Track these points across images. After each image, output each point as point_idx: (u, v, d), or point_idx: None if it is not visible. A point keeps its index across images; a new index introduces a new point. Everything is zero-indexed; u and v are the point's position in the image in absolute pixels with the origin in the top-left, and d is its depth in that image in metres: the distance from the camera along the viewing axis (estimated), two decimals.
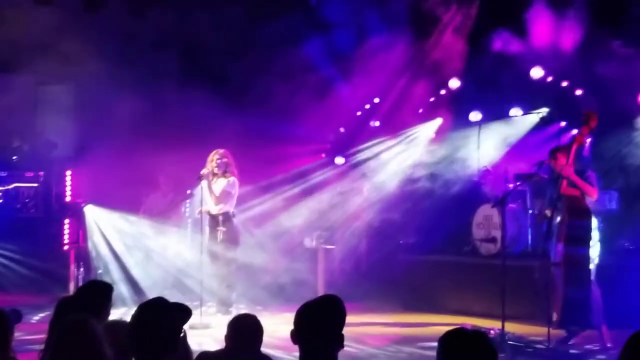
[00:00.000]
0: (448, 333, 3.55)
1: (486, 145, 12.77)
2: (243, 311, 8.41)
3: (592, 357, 8.73)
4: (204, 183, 10.94)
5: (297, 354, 3.98)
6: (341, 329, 3.93)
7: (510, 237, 11.25)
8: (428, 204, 13.08)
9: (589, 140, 9.66)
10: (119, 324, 4.92)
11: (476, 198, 12.45)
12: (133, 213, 12.86)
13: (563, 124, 12.28)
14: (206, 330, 9.83)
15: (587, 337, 9.03)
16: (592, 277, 8.95)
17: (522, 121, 12.74)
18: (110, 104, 13.36)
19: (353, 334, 8.71)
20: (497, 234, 11.44)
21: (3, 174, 13.81)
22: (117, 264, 12.59)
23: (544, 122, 12.44)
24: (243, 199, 11.77)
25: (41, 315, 10.68)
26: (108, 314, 5.32)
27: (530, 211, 11.79)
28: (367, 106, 14.33)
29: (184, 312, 4.12)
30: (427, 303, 12.04)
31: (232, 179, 11.04)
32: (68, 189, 13.49)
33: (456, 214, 12.61)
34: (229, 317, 5.11)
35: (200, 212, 11.07)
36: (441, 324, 10.08)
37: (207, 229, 11.10)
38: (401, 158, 13.87)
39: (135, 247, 12.66)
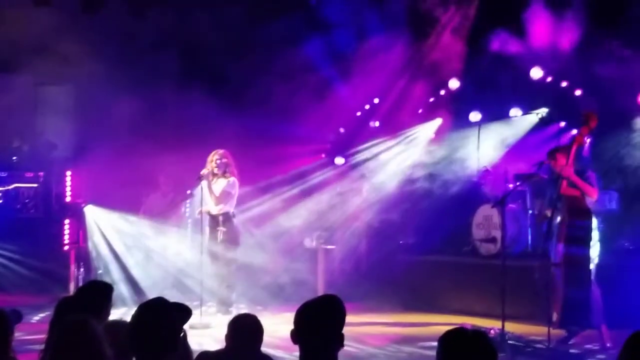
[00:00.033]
0: (448, 333, 3.56)
1: (486, 146, 12.78)
2: (243, 311, 8.42)
3: (592, 357, 8.74)
4: (204, 183, 10.94)
5: (298, 353, 3.99)
6: (341, 328, 3.94)
7: (510, 237, 11.26)
8: (428, 204, 13.08)
9: (588, 140, 9.67)
10: (119, 324, 4.93)
11: (476, 198, 12.46)
12: (133, 213, 12.87)
13: (562, 124, 12.29)
14: (206, 330, 9.84)
15: (587, 337, 9.04)
16: (592, 277, 8.95)
17: (521, 121, 12.75)
18: (110, 105, 13.36)
19: (353, 333, 8.72)
20: (497, 234, 11.44)
21: (3, 174, 13.81)
22: (117, 264, 12.59)
23: (543, 123, 12.45)
24: (243, 199, 11.78)
25: (41, 315, 10.69)
26: (108, 314, 5.33)
27: (530, 211, 11.79)
28: (367, 106, 14.33)
29: (184, 312, 4.12)
30: (427, 303, 12.04)
31: (232, 179, 11.04)
32: (68, 189, 13.49)
33: (456, 214, 12.62)
34: (229, 317, 5.11)
35: (201, 213, 11.08)
36: (441, 323, 10.08)
37: (207, 229, 11.11)
38: (401, 158, 13.87)
39: (135, 247, 12.66)
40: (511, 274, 9.44)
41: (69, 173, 13.52)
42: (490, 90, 12.52)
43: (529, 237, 11.72)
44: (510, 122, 12.86)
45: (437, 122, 13.84)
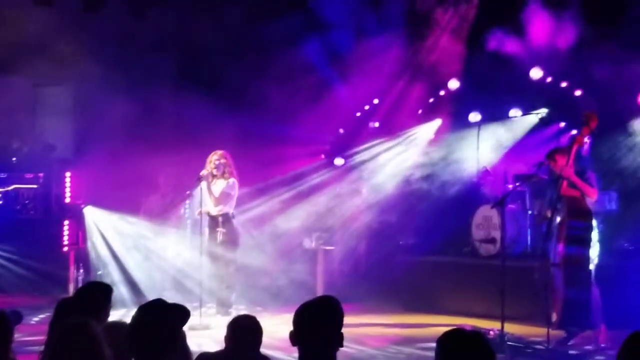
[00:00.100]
0: (446, 334, 3.55)
1: (485, 146, 12.79)
2: (243, 312, 8.42)
3: (592, 357, 8.73)
4: (203, 184, 10.93)
5: (297, 355, 3.99)
6: (340, 328, 3.93)
7: (509, 238, 11.26)
8: (427, 204, 13.08)
9: (588, 140, 9.68)
10: (118, 325, 4.93)
11: (475, 199, 12.46)
12: (132, 214, 12.86)
13: (562, 124, 12.29)
14: (206, 331, 9.83)
15: (586, 337, 9.03)
16: (592, 277, 8.96)
17: (521, 122, 12.76)
18: (109, 105, 13.35)
19: (352, 334, 8.73)
20: (497, 234, 11.44)
21: (3, 175, 13.81)
22: (116, 265, 12.60)
23: (543, 123, 12.45)
24: (243, 200, 11.78)
25: (41, 316, 10.69)
26: (107, 315, 5.33)
27: (530, 212, 11.79)
28: (367, 107, 14.33)
29: (183, 314, 4.12)
30: (426, 304, 12.04)
31: (232, 180, 11.04)
32: (67, 190, 13.49)
33: (456, 215, 12.61)
34: (229, 318, 5.11)
35: (200, 213, 11.07)
36: (441, 324, 10.08)
37: (206, 230, 11.10)
38: (400, 159, 13.87)
39: (135, 249, 12.67)
40: (511, 274, 9.44)
41: (68, 174, 13.51)
42: (490, 90, 12.52)
43: (529, 238, 11.72)
44: (510, 122, 12.86)
45: (437, 122, 13.84)
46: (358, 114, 14.38)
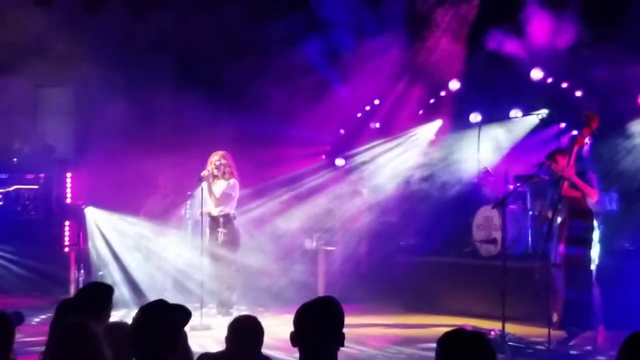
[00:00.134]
0: (446, 334, 3.55)
1: (486, 147, 12.79)
2: (244, 313, 8.42)
3: (592, 358, 8.72)
4: (204, 184, 10.94)
5: (298, 355, 3.99)
6: (340, 328, 3.93)
7: (510, 239, 11.26)
8: (428, 205, 13.09)
9: (588, 141, 9.68)
10: (119, 326, 4.93)
11: (476, 199, 12.46)
12: (133, 215, 12.87)
13: (563, 125, 12.29)
14: (207, 332, 9.84)
15: (587, 338, 9.03)
16: (593, 278, 8.96)
17: (521, 122, 12.76)
18: (110, 106, 13.36)
19: (353, 335, 8.72)
20: (498, 235, 11.44)
21: (3, 176, 13.81)
22: (117, 265, 12.60)
23: (543, 124, 12.45)
24: (243, 201, 11.78)
25: (42, 317, 10.69)
26: (108, 316, 5.33)
27: (531, 212, 11.79)
28: (367, 108, 14.33)
29: (184, 314, 4.12)
30: (427, 304, 12.04)
31: (233, 181, 11.04)
32: (68, 191, 13.49)
33: (456, 216, 12.62)
34: (230, 319, 5.11)
35: (201, 213, 11.06)
36: (441, 325, 10.07)
37: (207, 231, 11.10)
38: (401, 160, 13.88)
39: (136, 249, 12.67)
40: (511, 275, 9.44)
41: (69, 175, 13.52)
42: (491, 91, 12.53)
43: (529, 238, 11.72)
44: (511, 123, 12.87)
45: (438, 123, 13.85)
46: (359, 115, 14.38)
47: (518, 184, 11.26)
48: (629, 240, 11.17)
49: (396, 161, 13.87)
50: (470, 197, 12.70)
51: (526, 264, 10.53)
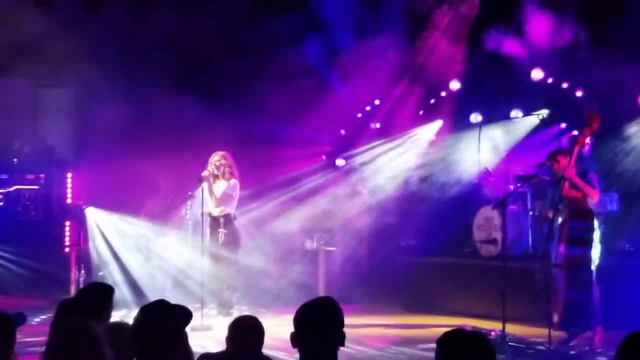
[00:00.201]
0: (446, 334, 3.55)
1: (486, 147, 12.79)
2: (245, 313, 8.42)
3: (593, 358, 8.73)
4: (204, 185, 10.94)
5: (298, 355, 3.99)
6: (340, 328, 3.93)
7: (510, 239, 11.26)
8: (428, 205, 13.09)
9: (589, 141, 9.69)
10: (119, 326, 4.94)
11: (477, 200, 12.47)
12: (133, 215, 12.87)
13: (563, 125, 12.29)
14: (207, 332, 9.84)
15: (587, 338, 9.03)
16: (593, 278, 8.96)
17: (522, 123, 12.76)
18: (110, 107, 13.36)
19: (353, 335, 8.69)
20: (498, 235, 11.44)
21: (4, 176, 13.82)
22: (118, 266, 12.60)
23: (544, 124, 12.45)
24: (244, 201, 11.78)
25: (42, 317, 10.68)
26: (109, 316, 5.34)
27: (531, 213, 11.79)
28: (368, 108, 14.34)
29: (185, 315, 4.12)
30: (427, 305, 12.04)
31: (233, 181, 11.04)
32: (69, 191, 13.50)
33: (457, 216, 12.62)
34: (230, 319, 5.11)
35: (202, 213, 11.06)
36: (442, 325, 10.06)
37: (208, 231, 11.10)
38: (401, 160, 13.88)
39: (136, 249, 12.67)
40: (512, 275, 9.45)
41: (69, 175, 13.52)
42: (491, 91, 12.53)
43: (530, 239, 11.72)
44: (511, 123, 12.87)
45: (438, 123, 13.85)
46: (359, 115, 14.38)
47: (518, 185, 11.26)
48: (629, 241, 11.17)
49: (396, 161, 13.87)
50: (470, 197, 12.70)
51: (526, 264, 10.53)
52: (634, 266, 10.45)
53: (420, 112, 13.98)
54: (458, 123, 13.43)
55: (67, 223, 13.23)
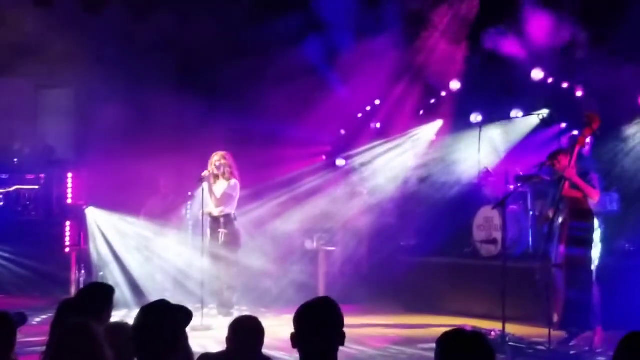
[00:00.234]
0: (445, 334, 3.55)
1: (486, 147, 12.79)
2: (245, 313, 8.42)
3: (593, 358, 8.73)
4: (205, 185, 10.94)
5: (298, 355, 3.99)
6: (340, 328, 3.93)
7: (511, 239, 11.26)
8: (428, 205, 13.10)
9: (589, 141, 9.70)
10: (120, 326, 4.94)
11: (477, 200, 12.47)
12: (134, 215, 12.87)
13: (563, 125, 12.29)
14: (208, 332, 9.84)
15: (587, 338, 9.03)
16: (593, 278, 8.96)
17: (522, 123, 12.76)
18: (110, 107, 13.36)
19: (354, 335, 8.70)
20: (498, 235, 11.44)
21: (4, 176, 13.82)
22: (118, 266, 12.60)
23: (544, 124, 12.45)
24: (244, 201, 11.78)
25: (42, 317, 10.68)
26: (109, 316, 5.34)
27: (531, 213, 11.79)
28: (368, 108, 14.34)
29: (185, 315, 4.13)
30: (427, 305, 12.05)
31: (234, 181, 11.05)
32: (69, 191, 13.49)
33: (457, 216, 12.62)
34: (230, 319, 5.11)
35: (202, 213, 11.07)
36: (442, 325, 10.05)
37: (208, 231, 11.11)
38: (402, 160, 13.88)
39: (137, 250, 12.67)
40: (512, 275, 9.45)
41: (70, 175, 13.52)
42: (491, 91, 12.53)
43: (530, 239, 11.72)
44: (511, 123, 12.87)
45: (438, 123, 13.85)
46: (359, 115, 14.39)
47: (519, 185, 11.26)
48: (629, 241, 11.17)
49: (396, 162, 13.88)
50: (470, 197, 12.71)
51: (527, 264, 10.54)
52: (634, 266, 10.45)
53: (421, 112, 13.98)
54: (458, 123, 13.43)
55: (68, 223, 13.23)
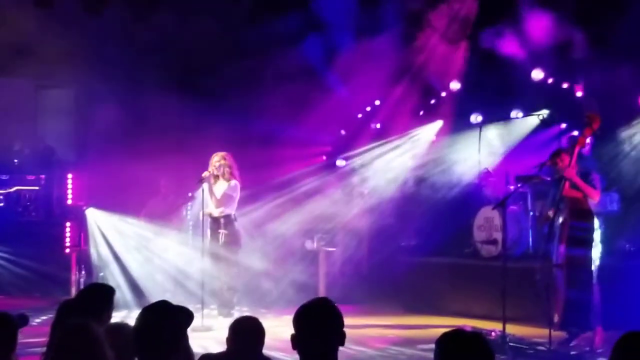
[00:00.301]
0: (445, 334, 3.55)
1: (487, 147, 12.79)
2: (245, 313, 8.42)
3: (593, 358, 8.73)
4: (205, 186, 10.94)
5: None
6: (340, 328, 3.93)
7: (511, 239, 11.26)
8: (428, 206, 13.10)
9: (589, 141, 9.70)
10: (120, 327, 4.94)
11: (477, 200, 12.47)
12: (134, 216, 12.87)
13: (563, 125, 12.29)
14: (208, 333, 9.83)
15: (588, 338, 9.03)
16: (594, 278, 8.97)
17: (522, 123, 12.77)
18: (110, 107, 13.36)
19: (353, 336, 8.69)
20: (498, 235, 11.44)
21: (4, 177, 13.82)
22: (118, 266, 12.60)
23: (544, 124, 12.45)
24: (245, 202, 11.78)
25: (43, 318, 10.68)
26: (109, 316, 5.34)
27: (532, 213, 11.79)
28: (368, 108, 14.34)
29: (186, 316, 4.13)
30: (428, 305, 12.05)
31: (234, 182, 11.05)
32: (69, 192, 13.50)
33: (457, 216, 12.62)
34: (231, 320, 5.12)
35: (203, 214, 11.07)
36: (442, 326, 10.03)
37: (208, 232, 11.11)
38: (402, 160, 13.88)
39: (137, 250, 12.67)
40: (512, 275, 9.45)
41: (70, 176, 13.53)
42: (491, 92, 12.53)
43: (530, 239, 11.72)
44: (511, 123, 12.87)
45: (438, 124, 13.85)
46: (359, 115, 14.39)
47: (519, 185, 11.26)
48: (630, 241, 11.17)
49: (397, 162, 13.88)
50: (471, 197, 12.71)
51: (527, 264, 10.53)
52: (634, 266, 10.45)
53: (421, 113, 13.98)
54: (458, 123, 13.43)
55: (68, 224, 13.23)
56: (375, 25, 13.47)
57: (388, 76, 13.43)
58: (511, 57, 12.10)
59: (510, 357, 8.49)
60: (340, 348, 3.93)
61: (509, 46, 12.10)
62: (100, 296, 5.41)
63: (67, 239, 13.17)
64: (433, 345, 3.56)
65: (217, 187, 11.05)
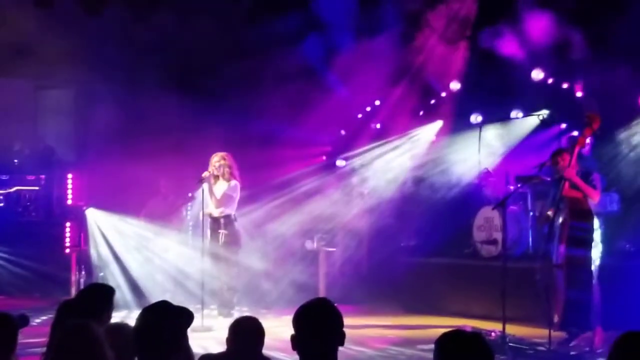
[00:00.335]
0: (444, 335, 3.55)
1: (487, 147, 12.79)
2: (245, 314, 8.42)
3: (593, 359, 8.73)
4: (205, 186, 10.95)
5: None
6: (339, 328, 3.93)
7: (511, 239, 11.26)
8: (428, 206, 13.10)
9: (589, 141, 9.70)
10: (120, 327, 4.94)
11: (477, 200, 12.47)
12: (134, 216, 12.87)
13: (563, 125, 12.29)
14: (208, 333, 9.83)
15: (587, 338, 9.03)
16: (594, 278, 8.97)
17: (522, 123, 12.77)
18: (110, 107, 13.36)
19: (353, 336, 8.70)
20: (498, 236, 11.45)
21: (4, 177, 13.83)
22: (118, 267, 12.60)
23: (544, 124, 12.46)
24: (245, 202, 11.78)
25: (43, 318, 10.67)
26: (109, 317, 5.34)
27: (531, 213, 11.79)
28: (368, 108, 14.34)
29: (187, 316, 4.13)
30: (427, 305, 12.04)
31: (234, 182, 11.05)
32: (69, 192, 13.50)
33: (457, 216, 12.62)
34: (231, 320, 5.12)
35: (203, 214, 11.07)
36: (442, 326, 10.03)
37: (208, 232, 11.11)
38: (402, 160, 13.88)
39: (137, 250, 12.67)
40: (512, 275, 9.44)
41: (70, 176, 13.53)
42: (491, 92, 12.53)
43: (530, 239, 11.72)
44: (511, 123, 12.87)
45: (438, 124, 13.85)
46: (359, 116, 14.39)
47: (519, 185, 11.26)
48: (630, 241, 11.17)
49: (397, 162, 13.88)
50: (470, 197, 12.71)
51: (527, 264, 10.53)
52: (634, 266, 10.44)
53: (420, 113, 13.98)
54: (458, 123, 13.43)
55: (68, 224, 13.24)
56: (375, 25, 13.47)
57: (388, 76, 13.44)
58: (511, 57, 12.10)
59: (510, 357, 8.49)
60: (340, 348, 3.92)
61: (509, 46, 12.10)
62: (100, 296, 5.41)
63: (67, 239, 13.17)
64: (433, 346, 3.56)
65: (217, 187, 11.05)
